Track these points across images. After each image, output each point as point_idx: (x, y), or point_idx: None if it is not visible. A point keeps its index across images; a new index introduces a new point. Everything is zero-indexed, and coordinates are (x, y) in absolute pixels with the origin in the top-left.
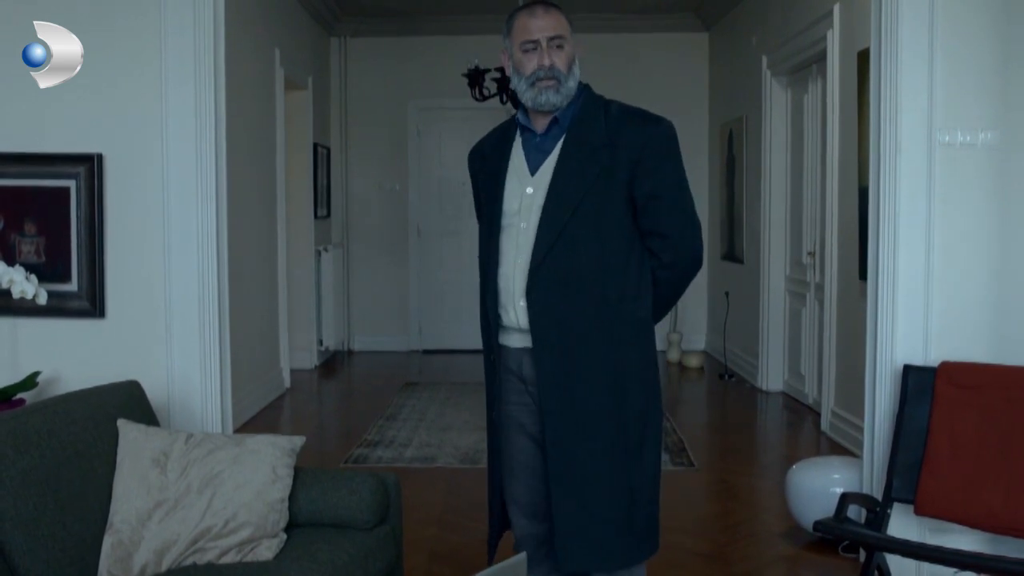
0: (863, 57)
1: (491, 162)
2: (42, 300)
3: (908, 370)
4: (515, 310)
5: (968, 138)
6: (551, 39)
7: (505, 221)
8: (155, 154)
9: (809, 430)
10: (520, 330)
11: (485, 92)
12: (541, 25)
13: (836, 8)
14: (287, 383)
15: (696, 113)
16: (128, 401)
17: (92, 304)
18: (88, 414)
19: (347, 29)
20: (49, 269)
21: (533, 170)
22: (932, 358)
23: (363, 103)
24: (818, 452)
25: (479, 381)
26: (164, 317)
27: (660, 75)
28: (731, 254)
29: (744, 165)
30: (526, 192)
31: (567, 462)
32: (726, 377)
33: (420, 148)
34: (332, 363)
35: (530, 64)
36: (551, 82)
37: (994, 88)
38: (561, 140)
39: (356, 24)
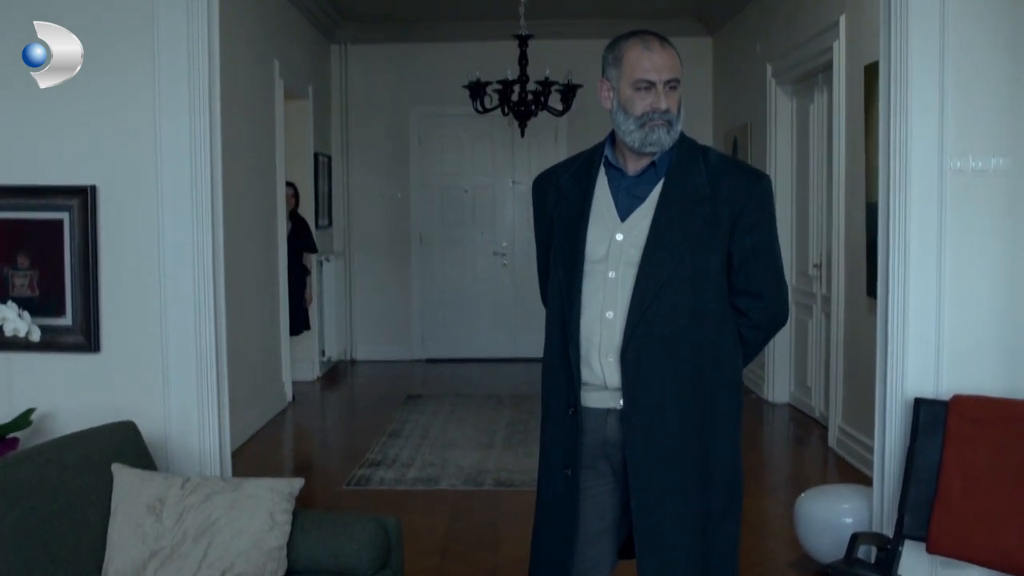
0: (870, 71)
1: (569, 198)
2: (35, 337)
3: (919, 403)
4: (601, 366)
5: (980, 164)
6: (667, 82)
7: (588, 267)
8: (150, 185)
9: (816, 446)
10: (604, 388)
11: (487, 104)
12: (659, 65)
13: (842, 19)
14: (289, 396)
15: (700, 119)
16: (123, 444)
17: (87, 338)
18: (81, 459)
19: (347, 36)
20: (43, 303)
21: (623, 215)
22: (944, 390)
23: (364, 111)
24: (826, 470)
25: (483, 393)
26: (160, 351)
27: None
28: None
29: None
30: (615, 238)
31: (654, 530)
32: None
33: (422, 155)
34: (335, 374)
35: (642, 104)
36: (663, 122)
37: (1006, 113)
38: (658, 187)
39: (356, 31)
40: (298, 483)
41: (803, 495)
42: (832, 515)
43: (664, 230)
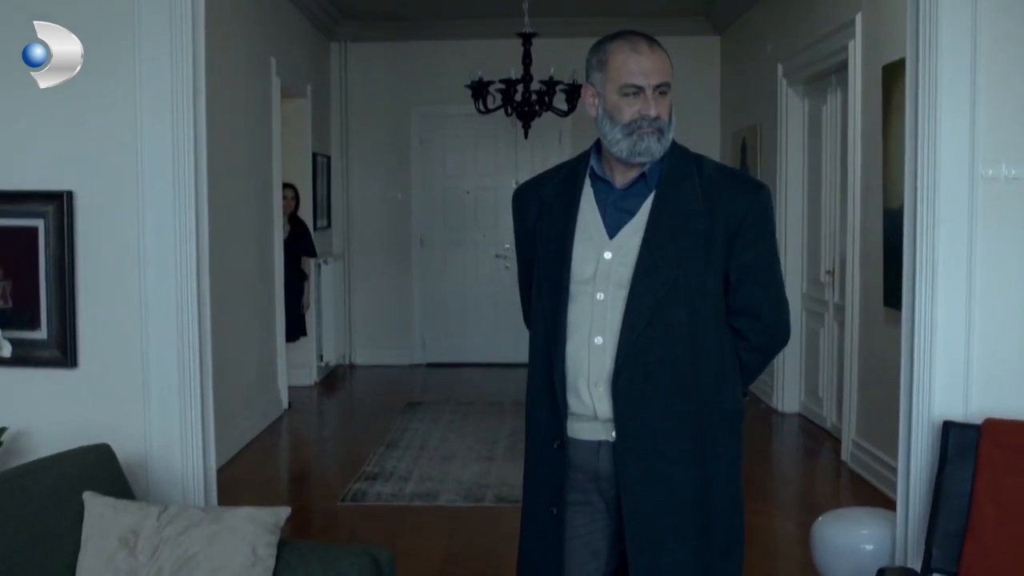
0: (889, 71)
1: (553, 213)
2: (6, 353)
3: (948, 427)
4: (590, 395)
5: (1014, 172)
6: (657, 87)
7: (574, 288)
8: (130, 191)
9: (829, 459)
10: (594, 419)
11: (489, 104)
12: (648, 68)
13: (858, 18)
14: (285, 403)
15: (707, 120)
16: (97, 469)
17: (63, 353)
18: (50, 487)
19: (347, 34)
20: (16, 315)
21: (612, 232)
22: (973, 412)
23: (364, 110)
24: (840, 487)
25: (485, 400)
26: (141, 366)
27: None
28: None
29: (759, 176)
30: (603, 257)
31: (652, 572)
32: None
33: (423, 156)
34: (333, 379)
35: (629, 111)
36: (653, 130)
37: None
38: (649, 200)
39: (356, 29)
40: (284, 512)
41: (820, 519)
42: (851, 541)
43: (656, 248)
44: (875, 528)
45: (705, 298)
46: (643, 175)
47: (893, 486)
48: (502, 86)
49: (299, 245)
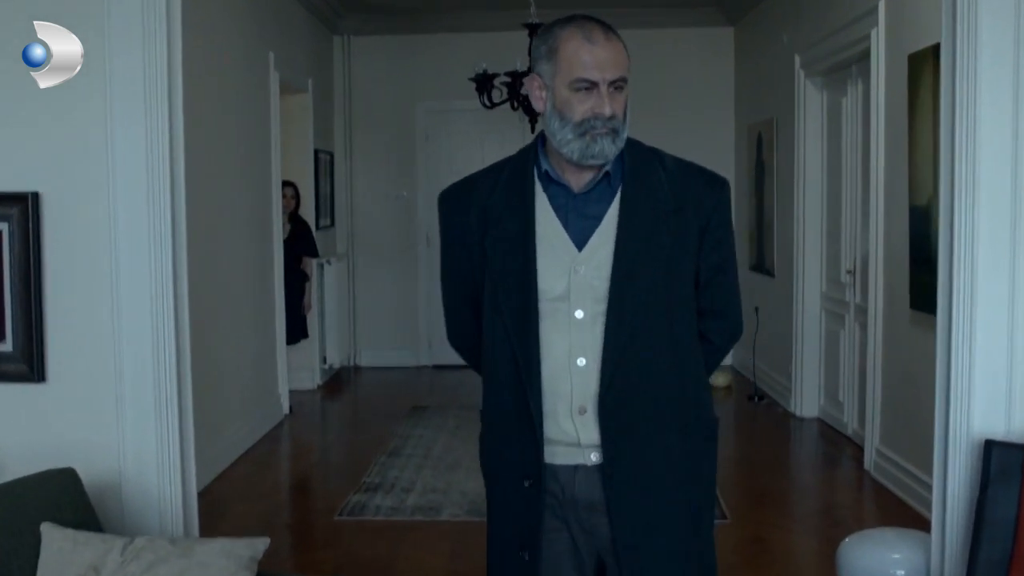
0: (915, 60)
1: (503, 224)
2: None
3: (991, 446)
4: (573, 422)
5: None
6: (612, 82)
7: (545, 307)
8: (101, 192)
9: (851, 468)
10: (575, 445)
11: (495, 98)
12: (603, 61)
13: (881, 4)
14: (286, 408)
15: (721, 113)
16: (59, 496)
17: (30, 367)
18: (5, 517)
19: (350, 27)
20: None
21: (579, 241)
22: (1017, 428)
23: (368, 105)
24: (863, 499)
25: None
26: (114, 380)
27: (682, 72)
28: (761, 266)
29: (775, 171)
30: (575, 271)
31: None
32: (756, 399)
33: (429, 153)
34: (336, 382)
35: (581, 107)
36: (607, 131)
37: None
38: (614, 203)
39: (359, 22)
40: (261, 544)
41: (847, 540)
42: (881, 565)
43: (631, 255)
44: (907, 552)
45: (680, 304)
46: (606, 175)
47: (920, 499)
48: (508, 79)
49: (300, 245)
